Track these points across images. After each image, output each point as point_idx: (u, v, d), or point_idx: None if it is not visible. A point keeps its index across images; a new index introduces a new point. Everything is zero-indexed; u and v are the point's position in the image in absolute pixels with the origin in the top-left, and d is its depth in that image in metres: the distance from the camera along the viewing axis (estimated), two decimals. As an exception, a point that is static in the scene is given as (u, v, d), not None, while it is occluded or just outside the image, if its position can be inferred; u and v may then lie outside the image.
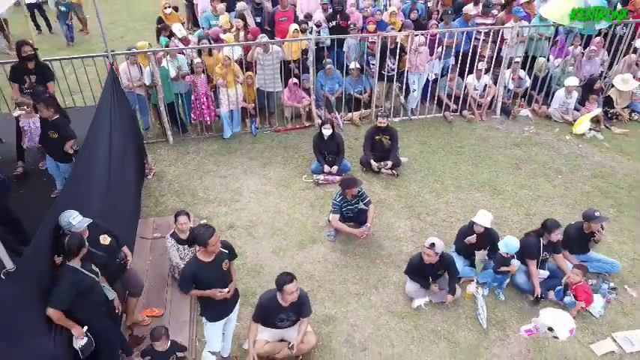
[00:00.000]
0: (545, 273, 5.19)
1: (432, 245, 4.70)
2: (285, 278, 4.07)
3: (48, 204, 4.97)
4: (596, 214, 5.17)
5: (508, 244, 4.93)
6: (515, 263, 4.99)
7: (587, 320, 4.93)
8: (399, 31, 8.11)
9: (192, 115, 7.56)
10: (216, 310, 4.04)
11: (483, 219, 5.14)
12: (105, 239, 4.17)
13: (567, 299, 4.92)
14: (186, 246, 5.02)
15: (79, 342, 3.61)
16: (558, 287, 5.09)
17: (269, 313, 4.33)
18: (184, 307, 4.91)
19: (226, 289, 3.91)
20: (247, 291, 5.11)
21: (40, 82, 5.46)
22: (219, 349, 4.17)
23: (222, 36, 7.57)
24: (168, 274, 5.20)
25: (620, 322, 4.91)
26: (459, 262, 5.26)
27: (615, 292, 5.20)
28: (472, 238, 5.16)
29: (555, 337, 4.60)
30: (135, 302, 4.63)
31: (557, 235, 5.04)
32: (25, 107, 4.91)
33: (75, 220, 3.79)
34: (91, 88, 7.19)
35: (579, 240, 5.30)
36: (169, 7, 9.03)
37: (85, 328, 3.65)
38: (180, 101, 7.55)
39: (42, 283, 3.53)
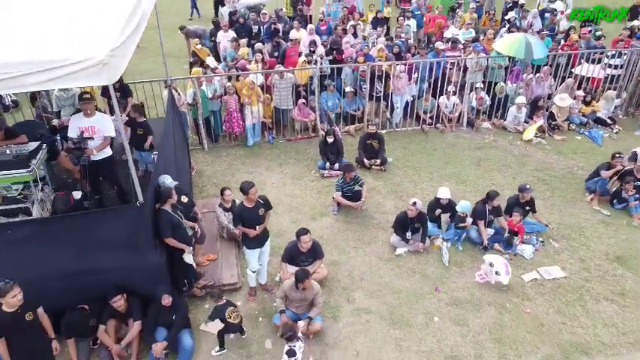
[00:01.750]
0: (491, 231, 7.18)
1: (414, 203, 6.70)
2: (301, 231, 6.02)
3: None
4: (526, 186, 7.21)
5: (462, 205, 6.95)
6: (469, 220, 6.98)
7: (521, 261, 6.87)
8: (385, 61, 10.31)
9: (224, 128, 9.62)
10: (252, 242, 5.88)
11: (444, 193, 7.17)
12: (184, 198, 6.13)
13: (506, 235, 6.93)
14: (229, 212, 6.96)
15: (189, 257, 5.53)
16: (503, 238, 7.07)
17: (293, 256, 6.25)
18: (231, 254, 6.82)
19: (258, 229, 5.80)
20: (274, 247, 6.91)
21: (122, 96, 7.52)
22: (257, 268, 6.03)
23: (248, 66, 9.73)
24: (217, 234, 7.11)
25: (543, 262, 6.86)
26: (430, 225, 7.21)
27: (542, 244, 7.16)
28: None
29: (500, 281, 6.39)
30: (199, 248, 6.53)
31: (497, 201, 7.07)
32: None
33: (168, 180, 5.78)
34: (147, 105, 9.24)
35: (516, 207, 7.26)
36: (200, 43, 11.27)
37: (190, 248, 5.56)
38: (213, 117, 9.59)
39: (150, 218, 5.46)
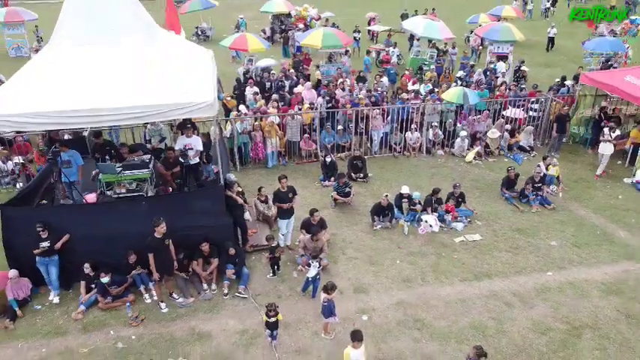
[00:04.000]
0: (436, 214, 10.87)
1: (386, 196, 10.44)
2: (313, 210, 9.69)
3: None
4: (457, 184, 11.02)
5: (415, 194, 10.75)
6: (419, 206, 10.72)
7: (454, 232, 10.53)
8: (365, 106, 14.30)
9: (251, 154, 13.39)
10: (284, 214, 9.56)
11: (405, 189, 10.94)
12: (239, 188, 9.80)
13: (445, 215, 10.61)
14: (264, 203, 10.62)
15: (247, 215, 9.15)
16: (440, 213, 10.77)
17: (307, 225, 9.84)
18: (265, 229, 10.40)
19: (287, 204, 9.46)
20: (294, 226, 10.51)
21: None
22: (285, 232, 9.66)
23: (268, 111, 13.66)
24: (255, 217, 10.71)
25: (469, 232, 10.53)
26: (396, 211, 10.90)
27: (470, 222, 10.86)
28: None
29: (433, 230, 10.14)
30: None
31: (439, 195, 10.82)
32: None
33: (232, 176, 9.51)
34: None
35: (451, 197, 10.98)
36: (230, 96, 15.29)
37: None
38: (243, 146, 13.37)
39: (224, 197, 9.09)
